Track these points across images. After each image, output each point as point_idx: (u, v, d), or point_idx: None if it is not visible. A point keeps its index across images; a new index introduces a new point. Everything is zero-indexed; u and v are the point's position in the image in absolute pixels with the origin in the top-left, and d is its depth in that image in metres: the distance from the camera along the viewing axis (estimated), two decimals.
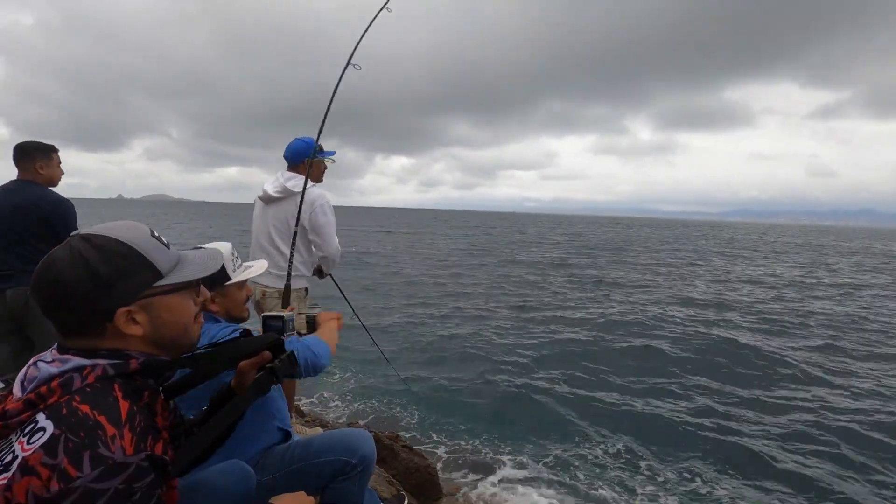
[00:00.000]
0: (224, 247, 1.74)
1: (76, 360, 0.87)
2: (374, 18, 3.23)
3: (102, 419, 0.80)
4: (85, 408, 0.81)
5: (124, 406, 0.85)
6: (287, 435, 1.90)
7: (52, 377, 0.84)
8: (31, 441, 0.76)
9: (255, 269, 1.84)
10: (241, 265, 1.81)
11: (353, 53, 3.09)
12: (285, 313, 1.29)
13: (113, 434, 0.80)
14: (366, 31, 3.21)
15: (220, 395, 1.27)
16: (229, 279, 1.74)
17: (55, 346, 0.92)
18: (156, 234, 0.98)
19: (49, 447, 0.76)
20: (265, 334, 1.21)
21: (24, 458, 0.75)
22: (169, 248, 0.98)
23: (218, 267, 1.04)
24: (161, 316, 0.95)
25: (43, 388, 0.83)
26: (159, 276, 0.94)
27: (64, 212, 2.79)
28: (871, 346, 9.33)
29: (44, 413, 0.80)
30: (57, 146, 2.89)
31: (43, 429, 0.77)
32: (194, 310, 1.02)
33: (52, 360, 0.88)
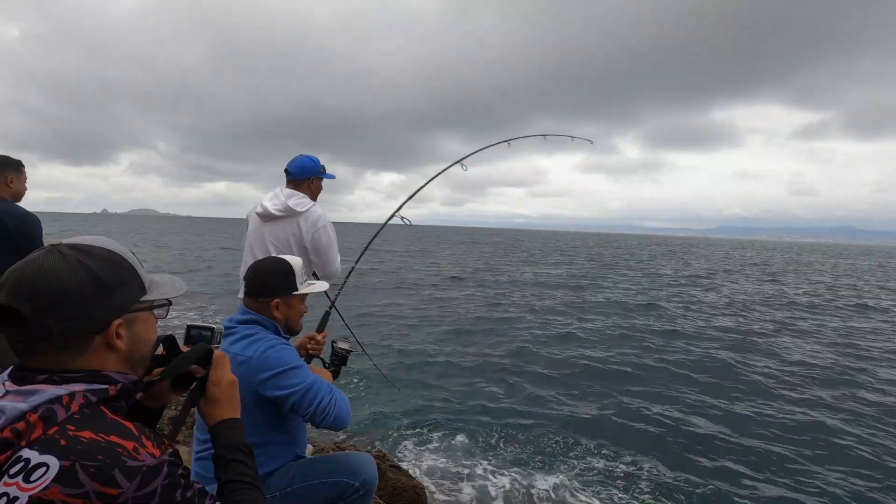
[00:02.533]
0: (296, 261, 1.90)
1: (48, 391, 0.81)
2: (446, 169, 3.53)
3: (114, 438, 0.79)
4: (86, 434, 0.78)
5: (128, 423, 0.84)
6: (299, 459, 1.88)
7: (23, 413, 0.78)
8: (31, 480, 0.72)
9: (318, 286, 1.97)
10: (307, 280, 1.93)
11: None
12: (215, 325, 1.24)
13: (134, 447, 0.80)
14: (434, 176, 3.48)
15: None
16: (296, 290, 1.86)
17: (5, 376, 0.85)
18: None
19: (65, 479, 0.73)
20: (198, 345, 1.14)
21: (31, 496, 0.71)
22: (142, 266, 0.98)
23: (183, 291, 1.04)
24: (139, 332, 0.94)
25: (19, 425, 0.76)
26: (144, 290, 0.94)
27: (29, 227, 2.72)
28: None
29: (33, 449, 0.75)
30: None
31: (44, 464, 0.73)
32: (156, 330, 1.02)
33: (6, 394, 0.81)
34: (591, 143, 4.35)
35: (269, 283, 1.81)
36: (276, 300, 1.81)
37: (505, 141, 3.57)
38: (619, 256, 46.10)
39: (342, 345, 2.21)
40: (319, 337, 2.24)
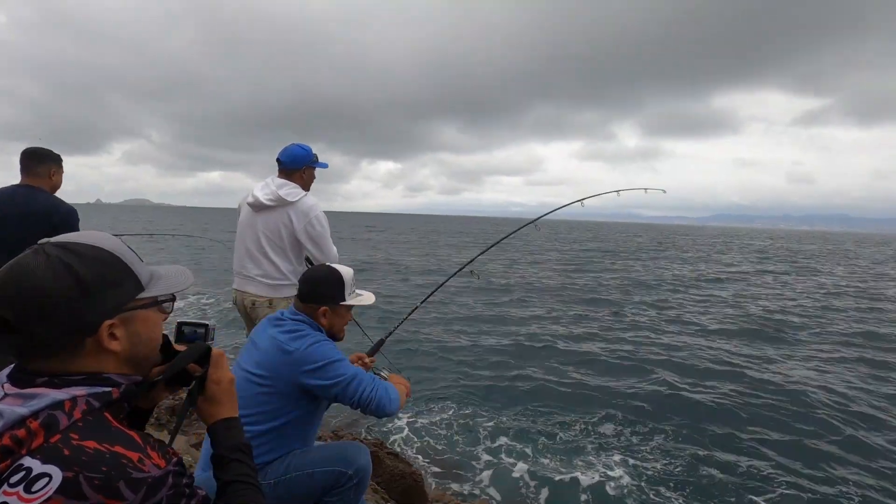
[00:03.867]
0: (347, 271, 1.99)
1: (49, 395, 0.79)
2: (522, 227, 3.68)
3: (119, 449, 0.77)
4: (90, 443, 0.76)
5: (132, 432, 0.82)
6: None
7: (24, 418, 0.75)
8: (32, 490, 0.71)
9: (365, 298, 2.06)
10: (355, 292, 2.03)
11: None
12: (209, 322, 1.23)
13: (139, 458, 0.78)
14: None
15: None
16: (344, 300, 1.96)
17: (3, 377, 0.83)
18: (129, 246, 0.93)
19: (68, 490, 0.71)
20: (196, 344, 1.12)
21: None
22: (142, 261, 0.95)
23: (190, 282, 1.01)
24: (139, 331, 0.90)
25: (20, 432, 0.74)
26: (141, 287, 0.90)
27: (74, 222, 2.74)
28: None
29: (35, 458, 0.73)
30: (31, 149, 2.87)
31: (47, 475, 0.72)
32: (162, 326, 0.99)
33: (5, 397, 0.79)
34: (664, 192, 4.40)
35: (319, 291, 1.92)
36: (324, 308, 1.92)
37: (579, 200, 3.75)
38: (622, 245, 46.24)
39: (382, 374, 2.28)
40: (368, 360, 2.32)
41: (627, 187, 3.90)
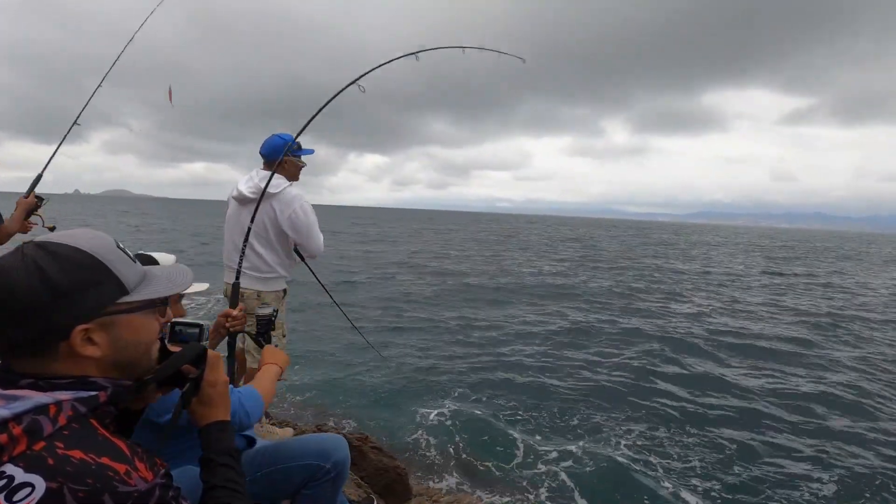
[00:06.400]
0: (168, 258, 1.88)
1: (33, 398, 0.76)
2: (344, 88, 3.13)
3: (106, 461, 0.75)
4: (76, 453, 0.74)
5: (120, 442, 0.80)
6: (251, 441, 1.86)
7: (5, 421, 0.72)
8: (14, 500, 0.68)
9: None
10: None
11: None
12: (203, 322, 1.21)
13: (126, 470, 0.76)
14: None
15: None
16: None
17: None
18: (121, 245, 0.90)
19: (51, 501, 0.69)
20: (191, 344, 1.10)
21: None
22: (135, 262, 0.91)
23: (189, 283, 0.97)
24: (123, 336, 0.87)
25: (2, 437, 0.71)
26: (125, 291, 0.87)
27: None
28: None
29: (17, 466, 0.71)
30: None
31: (29, 484, 0.69)
32: (158, 330, 0.96)
33: None
34: (524, 61, 3.58)
35: None
36: None
37: (412, 53, 3.11)
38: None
39: (263, 311, 2.17)
40: (236, 312, 2.12)
41: (476, 46, 3.20)
